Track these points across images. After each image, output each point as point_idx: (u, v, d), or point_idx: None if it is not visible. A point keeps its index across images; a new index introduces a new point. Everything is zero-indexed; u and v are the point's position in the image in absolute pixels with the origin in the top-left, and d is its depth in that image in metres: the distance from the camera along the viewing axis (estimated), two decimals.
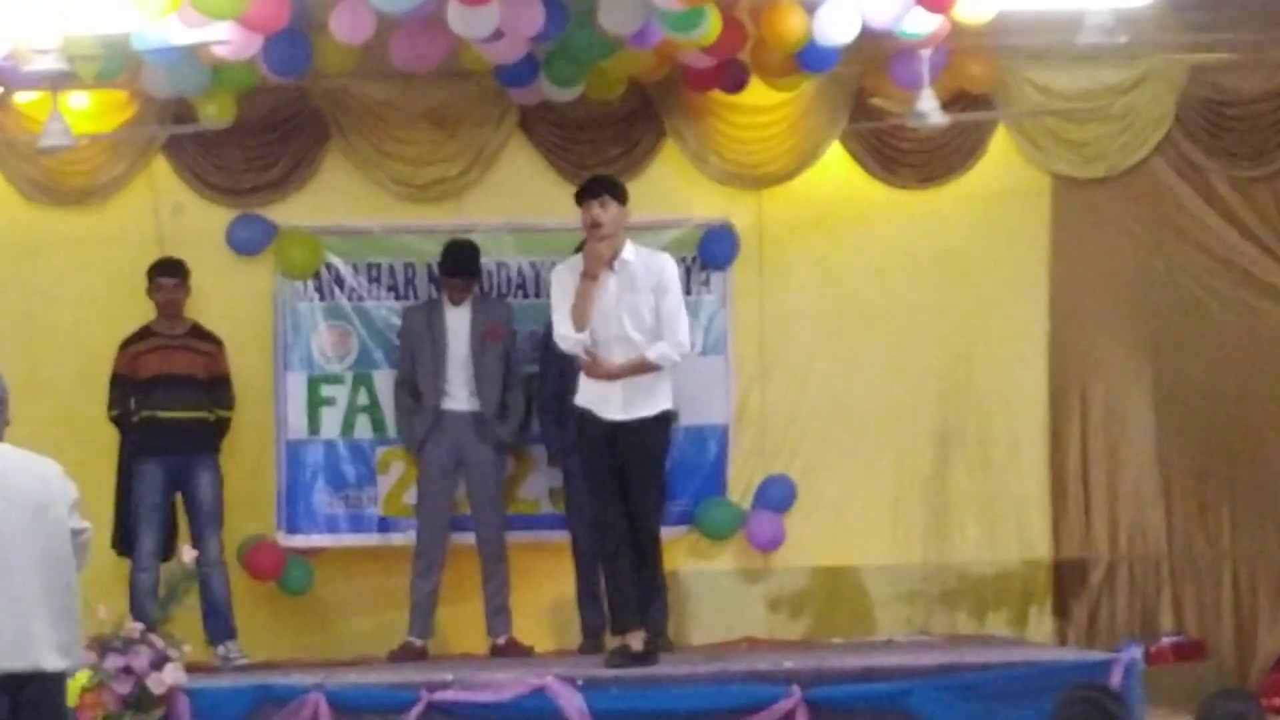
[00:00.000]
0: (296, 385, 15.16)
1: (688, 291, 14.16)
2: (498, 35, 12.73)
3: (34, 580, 9.56)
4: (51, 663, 9.61)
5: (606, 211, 12.59)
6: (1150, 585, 15.62)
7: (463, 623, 14.41)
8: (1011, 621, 15.49)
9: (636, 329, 12.53)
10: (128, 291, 14.51)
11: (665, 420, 12.76)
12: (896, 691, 12.42)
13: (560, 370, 13.76)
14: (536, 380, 14.58)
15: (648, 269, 12.72)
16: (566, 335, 12.58)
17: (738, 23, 13.41)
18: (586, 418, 12.68)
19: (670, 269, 12.89)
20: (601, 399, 12.59)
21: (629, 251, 12.69)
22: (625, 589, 12.85)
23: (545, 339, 14.05)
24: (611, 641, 13.27)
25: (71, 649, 9.69)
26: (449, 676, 12.55)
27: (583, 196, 12.80)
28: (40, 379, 14.44)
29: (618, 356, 12.54)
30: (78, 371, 14.59)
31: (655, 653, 12.98)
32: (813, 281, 15.52)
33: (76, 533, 10.00)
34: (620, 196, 12.79)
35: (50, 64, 12.81)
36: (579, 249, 13.32)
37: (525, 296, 15.03)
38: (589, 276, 12.46)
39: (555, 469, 14.80)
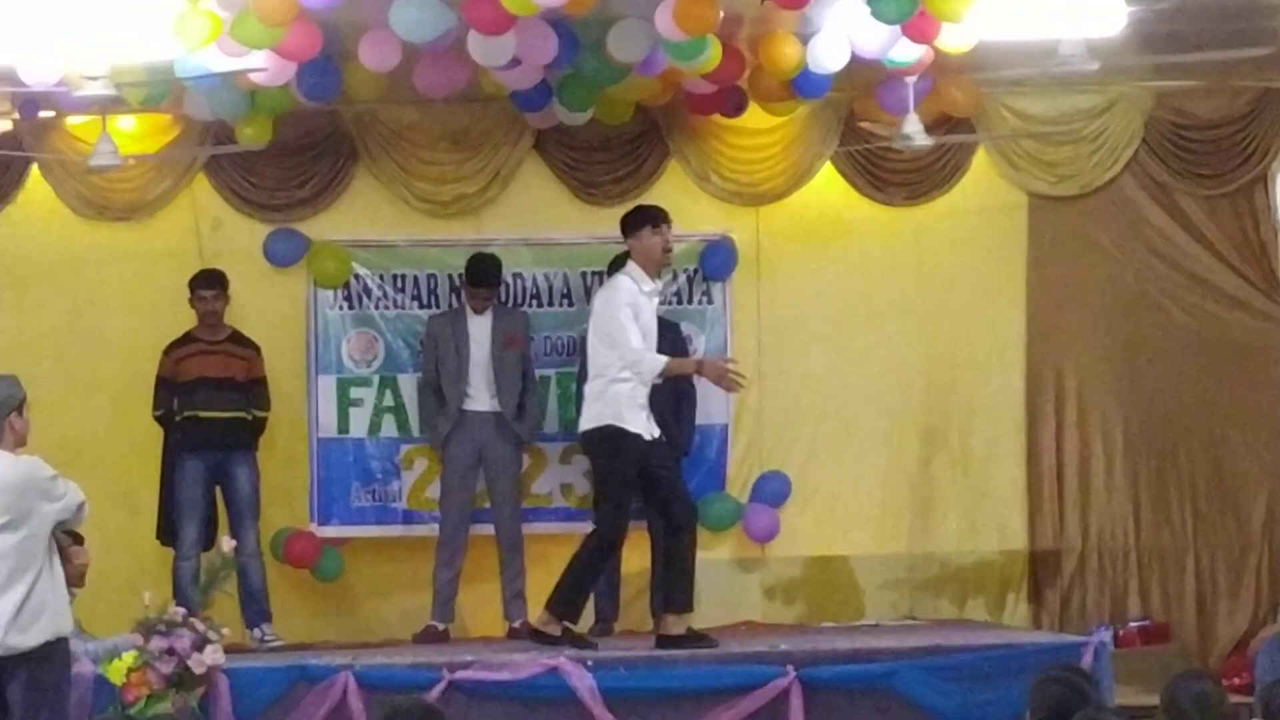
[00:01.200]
0: (327, 387, 15.19)
1: (690, 301, 14.26)
2: (514, 63, 12.77)
3: None
4: (13, 641, 9.81)
5: (665, 232, 12.99)
6: (1118, 574, 15.62)
7: (481, 607, 14.45)
8: (990, 607, 15.50)
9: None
10: (171, 301, 14.54)
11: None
12: (883, 672, 12.47)
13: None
14: (571, 381, 14.66)
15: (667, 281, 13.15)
16: (646, 357, 12.77)
17: (737, 52, 13.43)
18: (636, 440, 12.76)
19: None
20: (647, 426, 12.79)
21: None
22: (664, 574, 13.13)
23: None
24: (648, 615, 13.55)
25: (29, 629, 9.89)
26: (469, 657, 12.60)
27: (659, 219, 13.07)
28: (90, 381, 14.54)
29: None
30: (125, 374, 14.60)
31: (707, 636, 13.10)
32: (806, 292, 15.52)
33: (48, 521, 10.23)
34: (670, 223, 13.18)
35: (99, 89, 12.82)
36: (613, 265, 13.68)
37: (540, 306, 15.07)
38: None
39: (568, 465, 14.91)
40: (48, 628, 10.28)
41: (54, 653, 10.39)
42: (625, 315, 12.72)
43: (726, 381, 13.02)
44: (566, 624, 12.90)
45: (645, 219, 13.10)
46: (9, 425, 10.50)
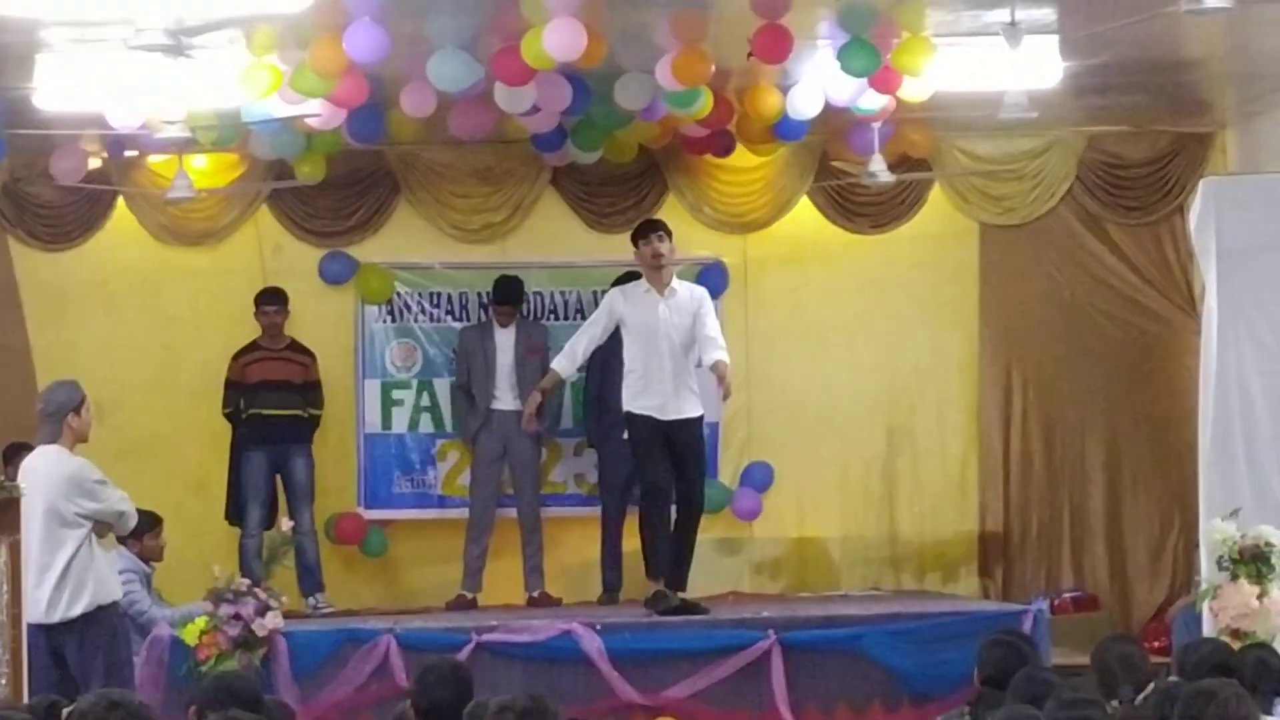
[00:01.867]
0: (373, 390, 15.24)
1: None
2: (534, 110, 12.78)
3: (34, 551, 9.95)
4: (45, 615, 9.93)
5: (665, 245, 12.86)
6: (1054, 551, 15.64)
7: (505, 579, 14.41)
8: (945, 580, 15.51)
9: (682, 344, 12.71)
10: (238, 314, 14.57)
11: (702, 420, 12.98)
12: (852, 635, 12.50)
13: (601, 377, 14.02)
14: (585, 384, 14.62)
15: (691, 296, 12.93)
16: (572, 354, 12.96)
17: (726, 100, 13.44)
18: (641, 419, 12.77)
19: (708, 296, 13.23)
20: (659, 407, 12.71)
21: (675, 283, 12.92)
22: (664, 544, 12.95)
23: (592, 354, 13.96)
24: (642, 591, 13.28)
25: (53, 602, 10.04)
26: (494, 622, 12.65)
27: (646, 232, 12.98)
28: (169, 384, 14.57)
29: (668, 369, 12.70)
30: (198, 378, 14.61)
31: (699, 605, 13.07)
32: (787, 308, 15.54)
33: (83, 514, 10.33)
34: (671, 235, 13.04)
35: (176, 132, 12.87)
36: (618, 281, 13.61)
37: (557, 320, 15.09)
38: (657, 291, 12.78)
39: (580, 457, 14.96)
40: (90, 598, 10.39)
41: (101, 617, 10.50)
42: (597, 313, 13.08)
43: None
44: (664, 588, 12.86)
45: (634, 236, 13.15)
46: (68, 424, 10.61)
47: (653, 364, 12.69)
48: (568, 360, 12.96)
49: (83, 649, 10.42)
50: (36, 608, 10.31)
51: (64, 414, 10.74)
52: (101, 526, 10.75)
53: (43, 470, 10.57)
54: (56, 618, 10.40)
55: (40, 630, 10.29)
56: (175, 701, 10.19)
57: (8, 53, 12.01)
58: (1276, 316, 11.83)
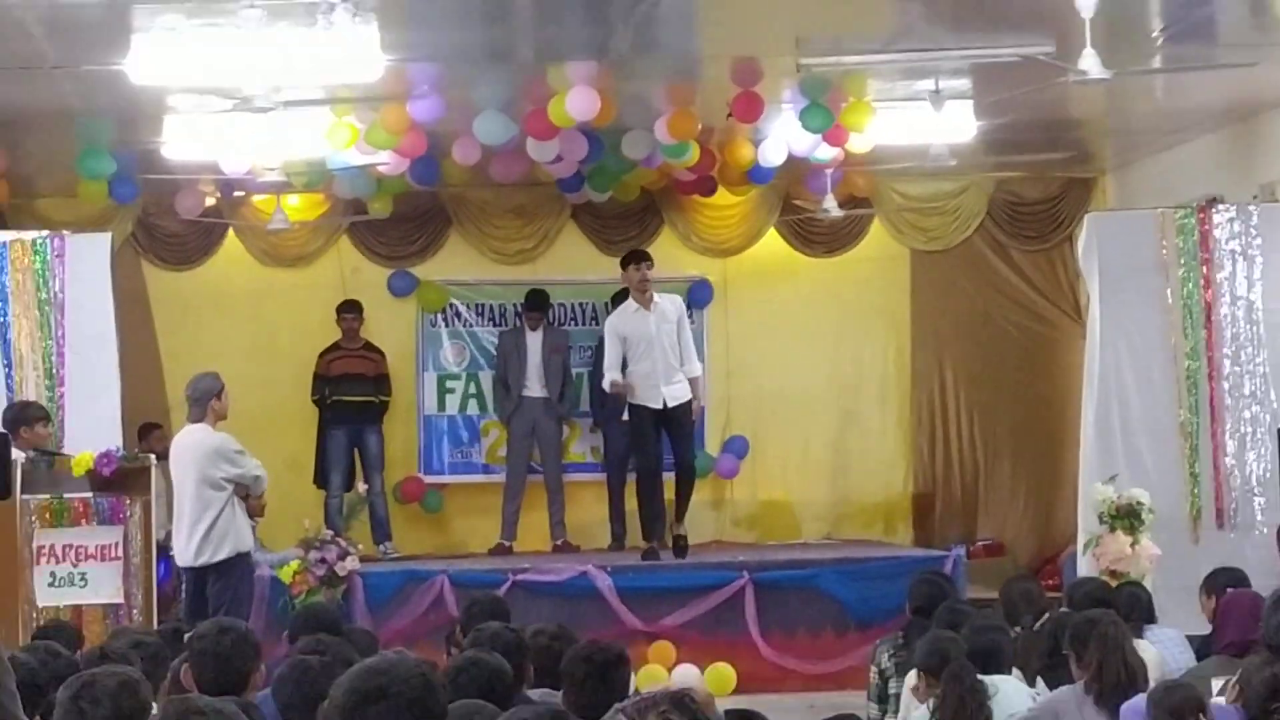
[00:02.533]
0: (430, 381, 15.28)
1: None
2: (558, 159, 12.76)
3: (187, 509, 10.01)
4: (195, 559, 9.99)
5: (649, 271, 12.91)
6: (971, 508, 15.71)
7: (534, 530, 14.42)
8: (885, 531, 15.53)
9: (670, 347, 12.73)
10: (323, 321, 14.63)
11: (690, 402, 12.91)
12: (811, 575, 12.59)
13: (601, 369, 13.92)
14: (589, 377, 14.63)
15: (672, 306, 12.95)
16: (615, 368, 12.82)
17: (710, 152, 13.44)
18: (641, 409, 12.84)
19: (684, 308, 13.19)
20: (655, 398, 12.72)
21: (657, 297, 12.90)
22: (656, 511, 13.02)
23: (597, 352, 14.10)
24: (641, 542, 13.34)
25: (203, 548, 10.04)
26: (526, 565, 12.72)
27: (636, 260, 13.05)
28: (268, 378, 14.55)
29: (660, 367, 12.69)
30: (292, 372, 14.63)
31: (685, 547, 13.10)
32: (758, 315, 15.53)
33: (227, 480, 10.35)
34: (652, 263, 13.13)
35: (274, 177, 12.92)
36: (615, 299, 13.69)
37: (576, 325, 15.15)
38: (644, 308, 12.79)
39: (596, 433, 14.92)
40: (230, 547, 10.42)
41: (237, 562, 10.53)
42: (608, 338, 12.95)
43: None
44: (656, 542, 13.03)
45: (623, 262, 13.24)
46: (211, 407, 10.64)
47: (647, 367, 12.77)
48: (614, 372, 12.83)
49: (221, 586, 10.45)
50: (188, 554, 10.36)
51: (208, 399, 10.77)
52: (240, 489, 10.76)
53: (192, 444, 10.61)
54: (203, 562, 10.43)
55: (191, 572, 10.34)
56: (272, 627, 10.22)
57: (142, 114, 12.04)
58: (1145, 322, 11.85)
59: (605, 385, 12.89)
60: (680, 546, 12.96)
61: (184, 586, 10.14)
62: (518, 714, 3.77)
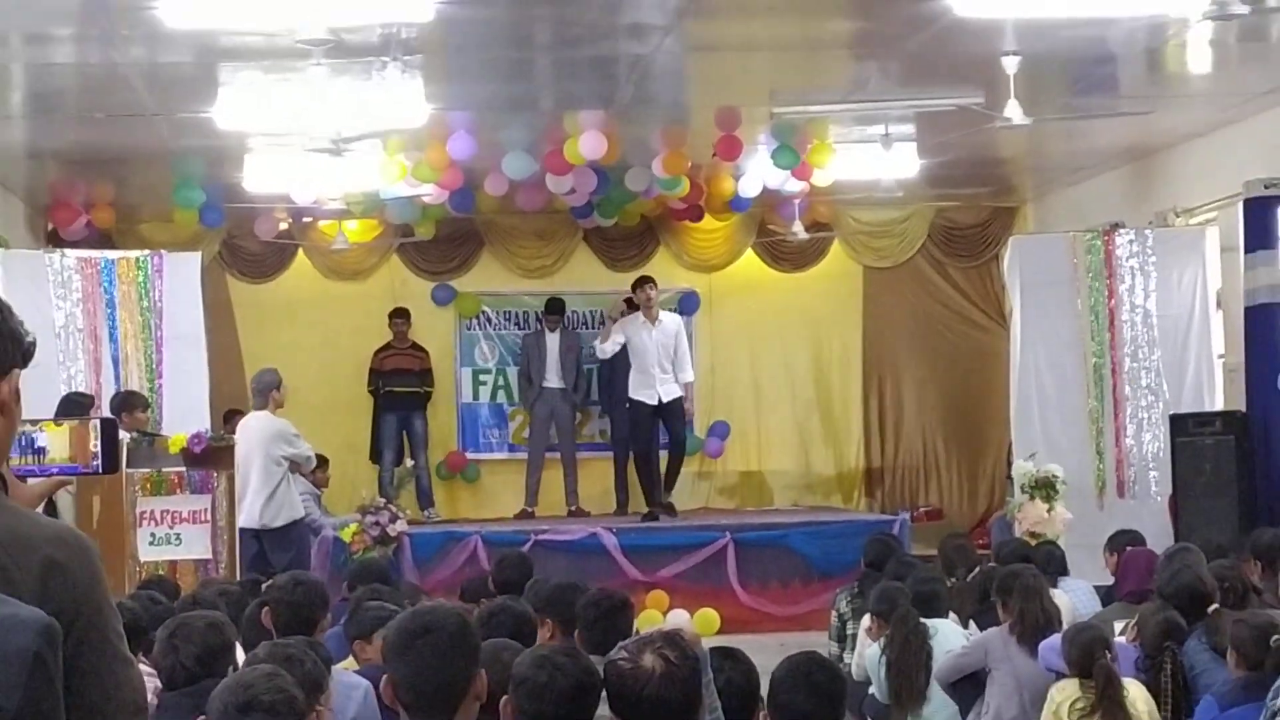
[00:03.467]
0: (467, 374, 15.21)
1: None
2: (572, 191, 12.76)
3: (252, 482, 9.98)
4: (259, 523, 9.95)
5: (654, 292, 13.20)
6: (915, 481, 15.62)
7: (552, 498, 14.36)
8: (842, 499, 15.48)
9: (665, 359, 12.93)
10: (377, 325, 14.57)
11: (681, 399, 13.12)
12: (781, 535, 12.60)
13: (610, 371, 13.98)
14: (598, 372, 14.59)
15: (673, 323, 13.28)
16: (606, 347, 13.14)
17: (698, 184, 13.42)
18: (639, 403, 12.99)
19: (683, 325, 13.50)
20: (651, 395, 12.93)
21: (662, 315, 13.22)
22: (651, 483, 13.11)
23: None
24: (642, 508, 13.42)
25: (264, 514, 10.28)
26: (545, 527, 12.73)
27: (642, 284, 13.33)
28: (331, 373, 14.55)
29: (655, 370, 12.90)
30: (351, 367, 14.58)
31: (674, 513, 13.21)
32: (738, 321, 15.47)
33: (284, 457, 10.49)
34: (656, 285, 13.47)
35: (337, 206, 12.94)
36: (623, 308, 13.79)
37: (587, 328, 15.00)
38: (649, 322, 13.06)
39: (603, 418, 14.85)
40: (287, 515, 10.45)
41: (293, 527, 10.54)
42: (613, 334, 13.22)
43: None
44: (656, 504, 13.18)
45: (634, 285, 13.50)
46: (272, 397, 10.68)
47: (644, 369, 12.94)
48: (608, 345, 13.23)
49: (280, 546, 10.45)
50: (251, 518, 10.34)
51: (269, 390, 10.79)
52: (295, 466, 10.78)
53: (256, 428, 10.61)
54: (263, 524, 10.43)
55: (254, 534, 10.32)
56: (335, 579, 10.20)
57: (226, 153, 12.04)
58: (1059, 327, 11.88)
59: (606, 350, 13.25)
60: (668, 511, 13.13)
61: (240, 545, 10.10)
62: (538, 649, 3.75)
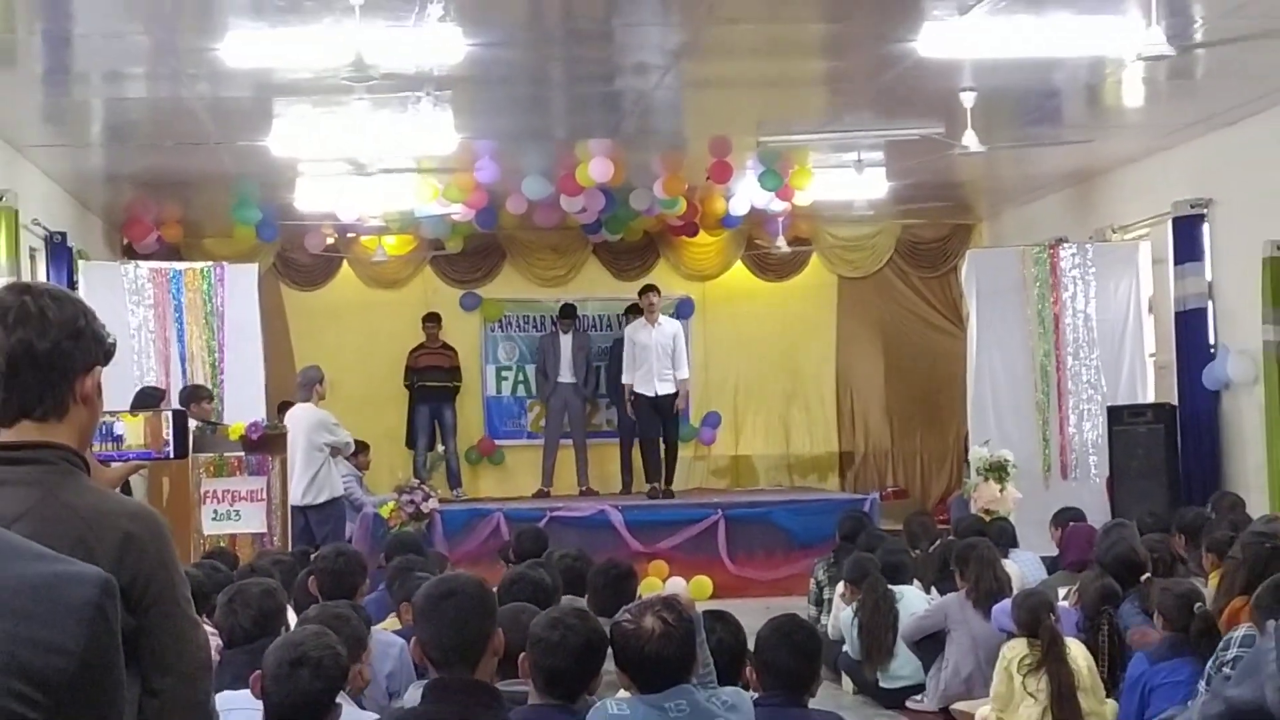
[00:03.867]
0: (491, 371, 15.20)
1: None
2: (583, 210, 12.77)
3: (298, 465, 9.96)
4: (303, 500, 9.94)
5: (656, 299, 13.09)
6: (883, 464, 15.61)
7: (566, 479, 14.33)
8: (820, 480, 15.45)
9: (665, 358, 12.83)
10: (412, 328, 14.52)
11: (675, 394, 13.01)
12: (766, 511, 12.57)
13: (617, 367, 13.80)
14: (606, 368, 14.54)
15: (670, 326, 13.15)
16: (627, 375, 13.06)
17: (694, 204, 13.41)
18: (641, 395, 12.90)
19: (680, 329, 13.36)
20: (650, 389, 12.85)
21: (662, 319, 13.12)
22: (654, 464, 13.11)
23: (612, 351, 14.09)
24: (643, 487, 13.38)
25: (307, 493, 10.27)
26: (560, 504, 12.65)
27: (645, 292, 13.22)
28: (373, 369, 14.51)
29: (655, 368, 12.79)
30: (389, 365, 14.50)
31: (672, 494, 13.16)
32: (729, 324, 15.44)
33: (325, 444, 10.47)
34: (660, 293, 13.36)
35: (377, 223, 12.94)
36: (630, 311, 13.73)
37: (596, 330, 15.01)
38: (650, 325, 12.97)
39: (610, 409, 14.78)
40: (328, 493, 10.45)
41: (333, 504, 10.53)
42: (626, 345, 13.14)
43: None
44: (655, 484, 13.14)
45: (640, 292, 13.34)
46: (315, 390, 10.69)
47: (646, 366, 12.89)
48: (629, 375, 13.05)
49: (322, 520, 10.45)
50: (296, 496, 10.33)
51: (312, 384, 10.78)
52: (335, 451, 10.78)
53: (302, 418, 10.59)
54: (307, 502, 10.42)
55: (300, 510, 10.32)
56: (374, 550, 10.20)
57: (280, 178, 12.05)
58: (1010, 329, 11.87)
59: (625, 380, 13.08)
60: (667, 493, 13.10)
61: (291, 521, 10.13)
62: (552, 611, 3.76)
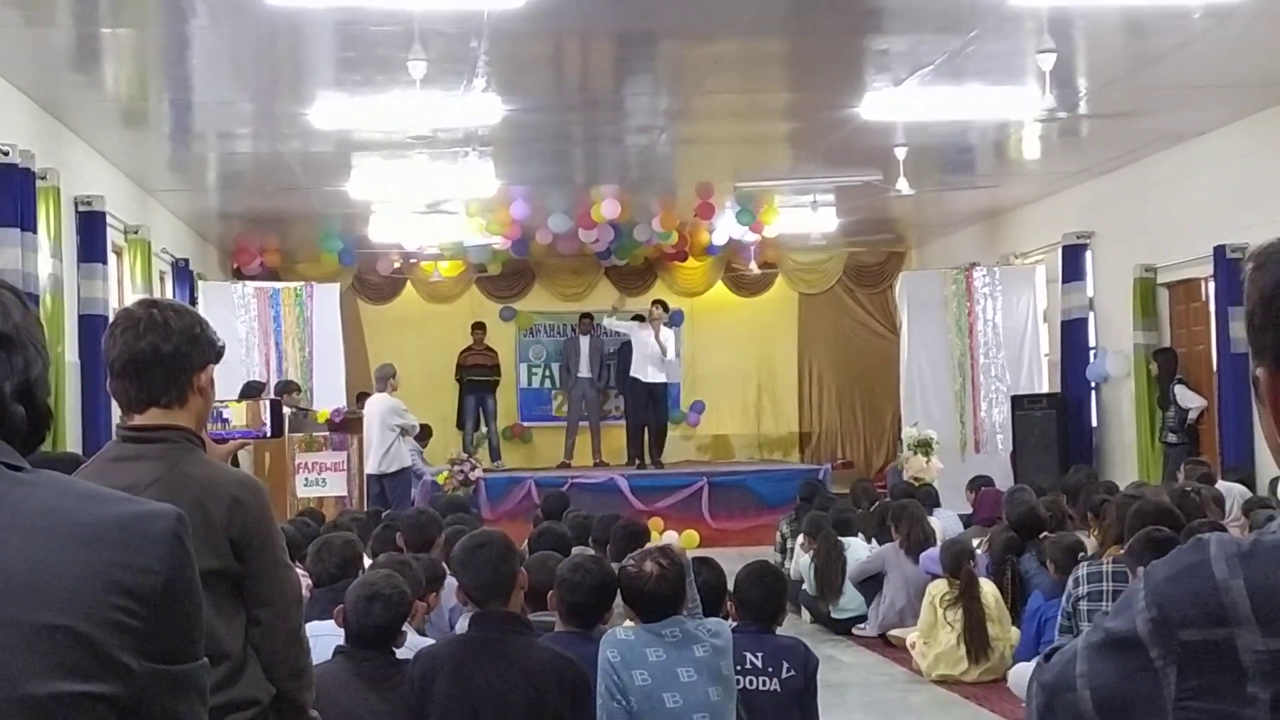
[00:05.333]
0: (524, 368, 15.15)
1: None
2: (596, 240, 12.75)
3: (374, 442, 9.86)
4: (378, 470, 9.81)
5: (659, 313, 12.76)
6: (834, 441, 15.47)
7: (583, 454, 14.18)
8: (784, 454, 15.33)
9: (657, 354, 12.61)
10: (461, 334, 14.39)
11: (666, 385, 12.93)
12: (741, 479, 12.47)
13: (625, 364, 13.60)
14: (616, 362, 14.24)
15: (668, 332, 12.88)
16: (644, 366, 12.67)
17: (684, 235, 13.38)
18: (638, 381, 12.69)
19: (673, 334, 13.13)
20: (643, 375, 12.64)
21: (661, 327, 12.84)
22: (639, 443, 12.97)
23: (620, 351, 13.83)
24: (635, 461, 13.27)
25: (381, 464, 10.03)
26: (578, 474, 12.54)
27: (656, 304, 12.89)
28: (432, 366, 14.36)
29: (651, 361, 12.56)
30: (444, 363, 14.37)
31: (661, 465, 13.00)
32: (713, 331, 15.34)
33: (396, 425, 10.22)
34: (666, 307, 13.05)
35: (433, 251, 12.88)
36: (636, 318, 13.38)
37: (607, 335, 14.74)
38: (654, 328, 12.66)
39: (619, 399, 14.59)
40: (397, 464, 10.31)
41: (402, 473, 10.41)
42: (636, 349, 12.84)
43: None
44: (639, 458, 12.97)
45: (653, 304, 13.04)
46: (388, 383, 10.56)
47: (645, 362, 12.73)
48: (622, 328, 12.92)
49: (392, 487, 10.37)
50: (371, 466, 10.26)
51: (387, 378, 10.66)
52: (403, 431, 10.73)
53: (377, 406, 10.44)
54: (381, 471, 10.33)
55: (375, 478, 10.26)
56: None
57: (357, 215, 12.03)
58: (934, 335, 11.85)
59: (633, 374, 12.79)
60: (658, 464, 12.92)
61: (366, 487, 10.07)
62: (574, 557, 3.76)
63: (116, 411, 2.74)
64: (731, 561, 4.45)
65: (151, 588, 1.15)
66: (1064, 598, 5.12)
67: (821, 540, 7.96)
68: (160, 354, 2.45)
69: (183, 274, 11.21)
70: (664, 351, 12.72)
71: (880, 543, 7.95)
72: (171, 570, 1.17)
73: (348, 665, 3.36)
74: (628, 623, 3.58)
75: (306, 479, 9.58)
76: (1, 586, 1.12)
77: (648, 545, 3.56)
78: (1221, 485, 7.57)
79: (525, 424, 15.08)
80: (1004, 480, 10.00)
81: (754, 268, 14.80)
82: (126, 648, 1.13)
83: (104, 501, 1.20)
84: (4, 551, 1.14)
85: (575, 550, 4.81)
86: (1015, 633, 6.39)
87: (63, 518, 1.16)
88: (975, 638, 6.40)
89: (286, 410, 9.27)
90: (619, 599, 3.55)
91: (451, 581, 5.12)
